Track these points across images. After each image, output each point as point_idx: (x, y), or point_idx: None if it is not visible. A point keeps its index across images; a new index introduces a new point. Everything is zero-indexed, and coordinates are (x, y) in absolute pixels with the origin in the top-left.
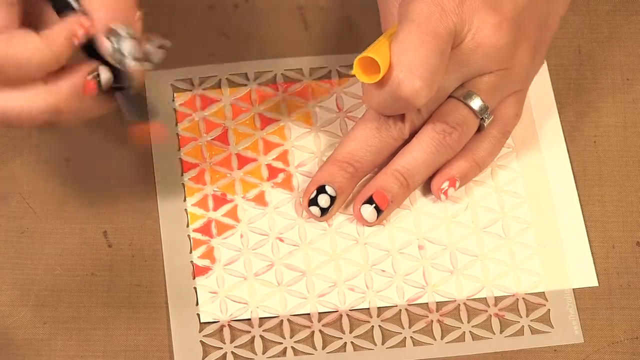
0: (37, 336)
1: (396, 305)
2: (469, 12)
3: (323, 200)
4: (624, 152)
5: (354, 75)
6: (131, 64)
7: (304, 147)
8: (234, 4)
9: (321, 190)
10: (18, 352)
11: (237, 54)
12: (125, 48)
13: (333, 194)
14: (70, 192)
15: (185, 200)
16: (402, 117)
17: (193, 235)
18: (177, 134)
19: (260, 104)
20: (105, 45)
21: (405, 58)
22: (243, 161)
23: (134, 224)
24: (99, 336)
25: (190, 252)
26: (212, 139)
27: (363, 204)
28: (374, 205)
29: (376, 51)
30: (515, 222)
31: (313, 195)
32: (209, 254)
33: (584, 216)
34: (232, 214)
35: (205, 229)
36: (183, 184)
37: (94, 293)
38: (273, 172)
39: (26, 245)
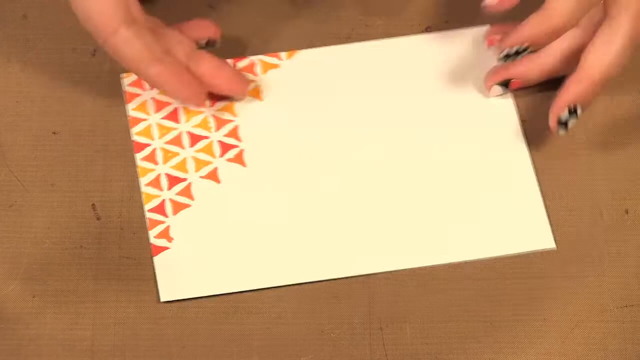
0: (26, 310)
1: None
2: None
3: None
4: (609, 117)
5: None
6: None
7: (255, 122)
8: None
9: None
10: (7, 326)
11: (223, 25)
12: None
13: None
14: (58, 165)
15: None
16: None
17: (148, 215)
18: (127, 115)
19: None
20: None
21: None
22: (195, 139)
23: (122, 197)
24: (88, 309)
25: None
26: (162, 118)
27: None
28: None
29: None
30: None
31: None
32: (165, 234)
33: (572, 184)
34: (186, 192)
35: (160, 209)
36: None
37: (83, 266)
38: (225, 148)
39: (14, 219)
